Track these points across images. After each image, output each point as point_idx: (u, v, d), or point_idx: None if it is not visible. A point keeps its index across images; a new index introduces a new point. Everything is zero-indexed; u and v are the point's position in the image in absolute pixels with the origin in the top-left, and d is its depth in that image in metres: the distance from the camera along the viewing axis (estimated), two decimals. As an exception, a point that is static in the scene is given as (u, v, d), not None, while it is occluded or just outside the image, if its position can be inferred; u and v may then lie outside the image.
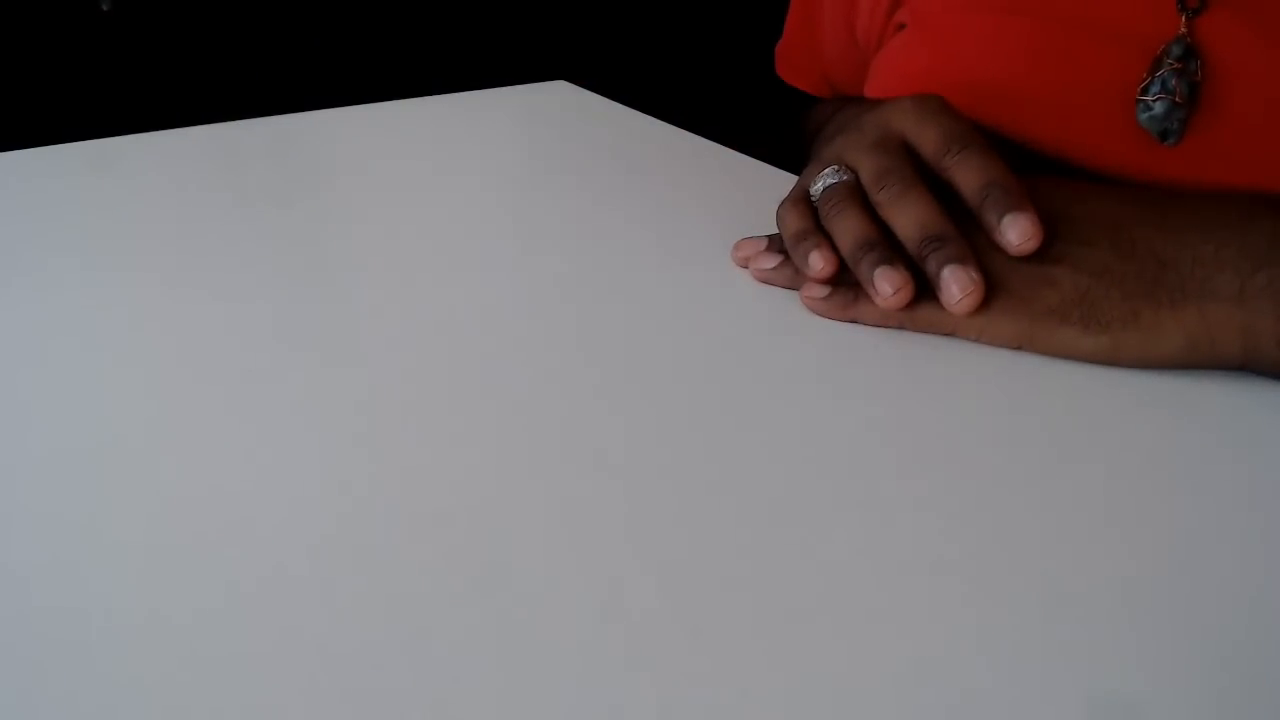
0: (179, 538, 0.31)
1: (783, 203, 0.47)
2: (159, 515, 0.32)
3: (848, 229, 0.43)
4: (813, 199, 0.46)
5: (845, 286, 0.43)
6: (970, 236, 0.42)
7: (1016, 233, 0.41)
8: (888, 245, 0.42)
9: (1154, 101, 0.46)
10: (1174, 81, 0.45)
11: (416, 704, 0.25)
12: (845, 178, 0.45)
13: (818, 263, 0.43)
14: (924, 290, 0.42)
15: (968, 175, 0.42)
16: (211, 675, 0.26)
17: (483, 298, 0.45)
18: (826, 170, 0.45)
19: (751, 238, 0.48)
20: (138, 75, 1.29)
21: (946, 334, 0.42)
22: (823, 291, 0.43)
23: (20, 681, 0.26)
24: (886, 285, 0.41)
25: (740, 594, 0.29)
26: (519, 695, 0.26)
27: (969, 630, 0.28)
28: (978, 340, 0.41)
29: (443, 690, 0.26)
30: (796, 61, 0.74)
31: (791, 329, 0.43)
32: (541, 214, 0.55)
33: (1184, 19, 0.46)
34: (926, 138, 0.44)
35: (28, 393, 0.38)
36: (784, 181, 0.54)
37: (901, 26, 0.58)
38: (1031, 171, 0.44)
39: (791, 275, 0.45)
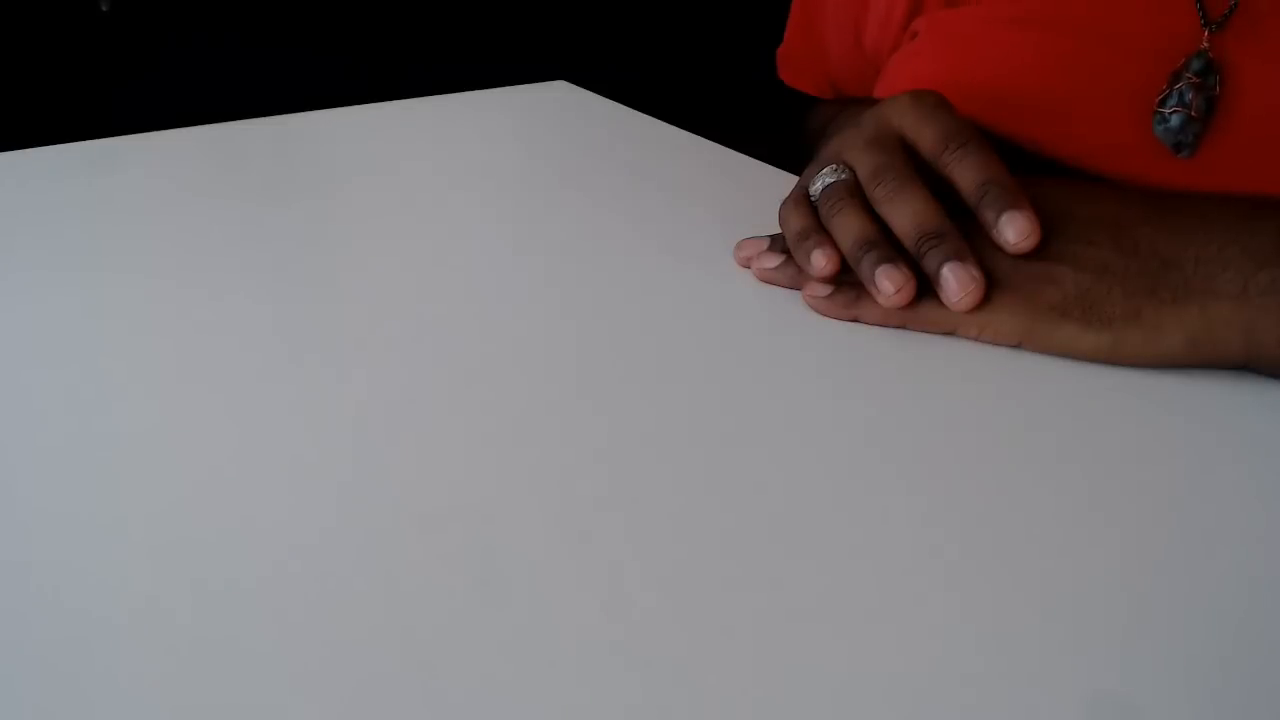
0: (179, 537, 0.31)
1: (784, 202, 0.47)
2: (158, 514, 0.31)
3: (848, 228, 0.43)
4: (812, 199, 0.46)
5: (847, 285, 0.43)
6: (971, 234, 0.42)
7: (1014, 231, 0.41)
8: (888, 244, 0.42)
9: (1170, 114, 0.46)
10: (1191, 95, 0.45)
11: (416, 703, 0.25)
12: (844, 176, 0.45)
13: (820, 261, 0.43)
14: (925, 288, 0.42)
15: (966, 173, 0.42)
16: (211, 674, 0.26)
17: (482, 298, 0.45)
18: (825, 169, 0.45)
19: (753, 238, 0.48)
20: (138, 75, 1.29)
21: (948, 332, 0.42)
22: (825, 290, 0.43)
23: (19, 679, 0.26)
24: (888, 284, 0.41)
25: (740, 593, 0.29)
26: (518, 694, 0.26)
27: (969, 630, 0.28)
28: (979, 338, 0.41)
29: (442, 689, 0.26)
30: (798, 65, 0.74)
31: (792, 329, 0.43)
32: (541, 214, 0.55)
33: (1206, 34, 0.46)
34: (924, 135, 0.44)
35: (28, 392, 0.38)
36: (784, 181, 0.54)
37: (915, 35, 0.58)
38: (1040, 175, 0.44)
39: (794, 275, 0.45)
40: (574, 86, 0.76)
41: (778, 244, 0.47)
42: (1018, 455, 0.35)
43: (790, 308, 0.44)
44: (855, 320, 0.43)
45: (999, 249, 0.41)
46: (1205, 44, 0.46)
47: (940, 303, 0.41)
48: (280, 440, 0.35)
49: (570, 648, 0.27)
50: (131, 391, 0.38)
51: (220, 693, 0.25)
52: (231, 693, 0.25)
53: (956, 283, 0.40)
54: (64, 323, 0.43)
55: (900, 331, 0.43)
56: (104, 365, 0.40)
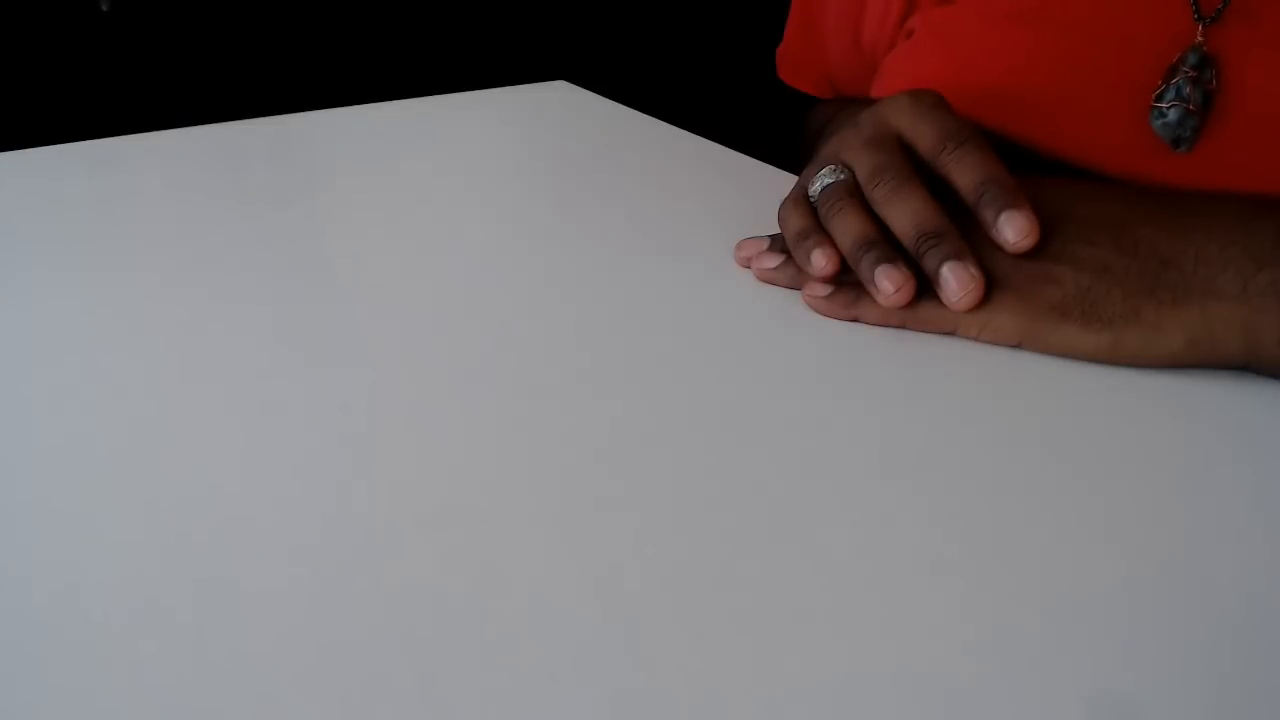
0: (178, 537, 0.31)
1: (784, 202, 0.47)
2: (158, 515, 0.31)
3: (847, 228, 0.43)
4: (811, 199, 0.46)
5: (847, 285, 0.43)
6: (971, 233, 0.42)
7: (1013, 230, 0.41)
8: (887, 244, 0.42)
9: (1168, 109, 0.46)
10: (1188, 89, 0.45)
11: (415, 703, 0.25)
12: (842, 177, 0.45)
13: (820, 261, 0.43)
14: (924, 288, 0.42)
15: (964, 172, 0.42)
16: (209, 673, 0.26)
17: (482, 298, 0.45)
18: (824, 170, 0.45)
19: (753, 238, 0.48)
20: (138, 75, 1.29)
21: (948, 331, 0.42)
22: (825, 290, 0.43)
23: (17, 680, 0.26)
24: (888, 284, 0.41)
25: (740, 594, 0.29)
26: (518, 694, 0.26)
27: (968, 630, 0.28)
28: (978, 337, 0.41)
29: (441, 689, 0.26)
30: (798, 64, 0.74)
31: (793, 328, 0.43)
32: (541, 214, 0.55)
33: (1200, 27, 0.46)
34: (922, 134, 0.44)
35: (27, 392, 0.38)
36: (784, 181, 0.54)
37: (910, 33, 0.58)
38: (1040, 175, 0.44)
39: (794, 275, 0.45)
40: (574, 86, 0.76)
41: (778, 244, 0.47)
42: (1018, 455, 0.35)
43: (790, 308, 0.44)
44: (855, 320, 0.43)
45: (998, 248, 0.41)
46: (1200, 38, 0.46)
47: (940, 302, 0.41)
48: (280, 440, 0.35)
49: (570, 647, 0.27)
50: (131, 391, 0.38)
51: (219, 692, 0.25)
52: (231, 692, 0.25)
53: (956, 282, 0.40)
54: (63, 322, 0.43)
55: (900, 331, 0.43)
56: (103, 365, 0.40)
